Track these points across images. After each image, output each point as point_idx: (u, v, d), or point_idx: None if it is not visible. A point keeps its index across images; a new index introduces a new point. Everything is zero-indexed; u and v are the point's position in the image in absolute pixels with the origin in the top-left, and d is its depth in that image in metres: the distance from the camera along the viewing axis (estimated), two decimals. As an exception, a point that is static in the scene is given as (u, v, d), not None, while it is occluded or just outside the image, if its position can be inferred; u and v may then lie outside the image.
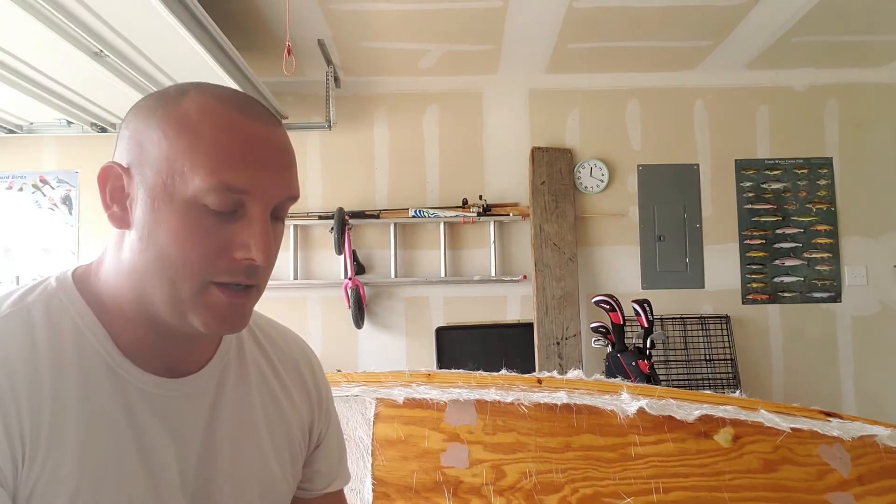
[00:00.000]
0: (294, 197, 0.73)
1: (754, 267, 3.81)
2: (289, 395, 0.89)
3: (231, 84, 2.66)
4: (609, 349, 3.05)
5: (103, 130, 3.44)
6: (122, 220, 0.71)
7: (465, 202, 3.72)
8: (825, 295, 3.79)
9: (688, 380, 3.65)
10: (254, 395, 0.84)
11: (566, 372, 1.58)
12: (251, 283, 0.70)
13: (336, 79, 3.56)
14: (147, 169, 0.69)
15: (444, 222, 3.74)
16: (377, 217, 3.71)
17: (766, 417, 1.39)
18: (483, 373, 1.60)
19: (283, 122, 3.48)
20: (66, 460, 0.66)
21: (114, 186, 0.71)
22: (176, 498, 0.73)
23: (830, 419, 1.44)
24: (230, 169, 0.67)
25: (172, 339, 0.74)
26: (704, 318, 3.74)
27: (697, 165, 3.85)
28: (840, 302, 3.79)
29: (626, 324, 3.03)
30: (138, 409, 0.72)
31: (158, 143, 0.69)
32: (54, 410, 0.66)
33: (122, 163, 0.71)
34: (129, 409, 0.71)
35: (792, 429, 1.38)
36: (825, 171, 3.83)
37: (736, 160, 3.85)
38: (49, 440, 0.65)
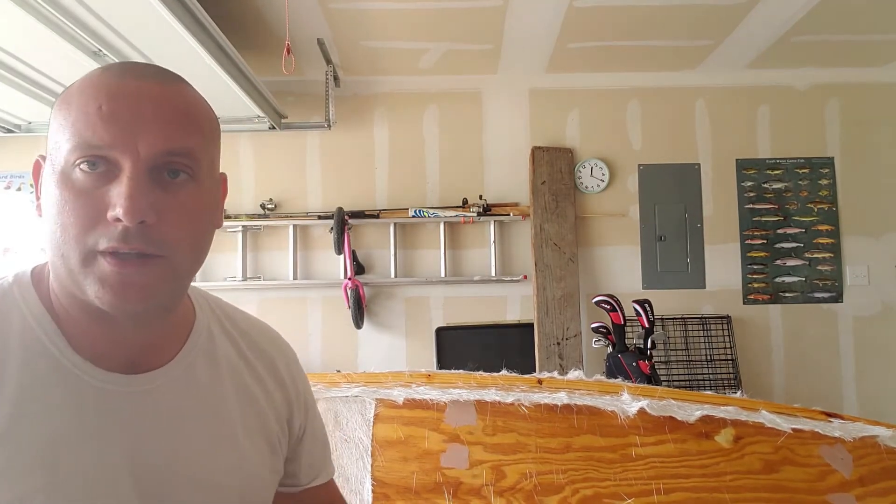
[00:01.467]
0: (175, 151, 0.68)
1: (755, 267, 3.80)
2: (264, 387, 0.86)
3: (229, 83, 2.66)
4: (610, 349, 3.05)
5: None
6: (39, 209, 0.71)
7: (465, 202, 3.71)
8: (826, 295, 3.78)
9: (689, 380, 3.64)
10: (226, 391, 0.81)
11: (566, 372, 1.57)
12: (130, 248, 0.65)
13: (336, 78, 3.55)
14: (47, 154, 0.69)
15: (444, 222, 3.74)
16: (377, 217, 3.70)
17: (767, 418, 1.39)
18: (483, 373, 1.59)
19: (283, 121, 3.48)
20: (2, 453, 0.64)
21: (39, 179, 0.72)
22: (127, 499, 0.70)
23: (832, 420, 1.44)
24: (91, 126, 0.65)
25: (121, 330, 0.71)
26: (705, 318, 3.73)
27: (698, 165, 3.84)
28: (841, 302, 3.78)
29: (627, 324, 3.03)
30: (89, 406, 0.69)
31: (50, 126, 0.70)
32: None
33: (43, 154, 0.72)
34: (79, 408, 0.68)
35: (793, 429, 1.37)
36: (826, 170, 3.82)
37: (737, 160, 3.84)
38: None
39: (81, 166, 0.65)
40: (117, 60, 2.44)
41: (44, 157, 0.71)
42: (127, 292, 0.65)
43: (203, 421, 0.77)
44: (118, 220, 0.64)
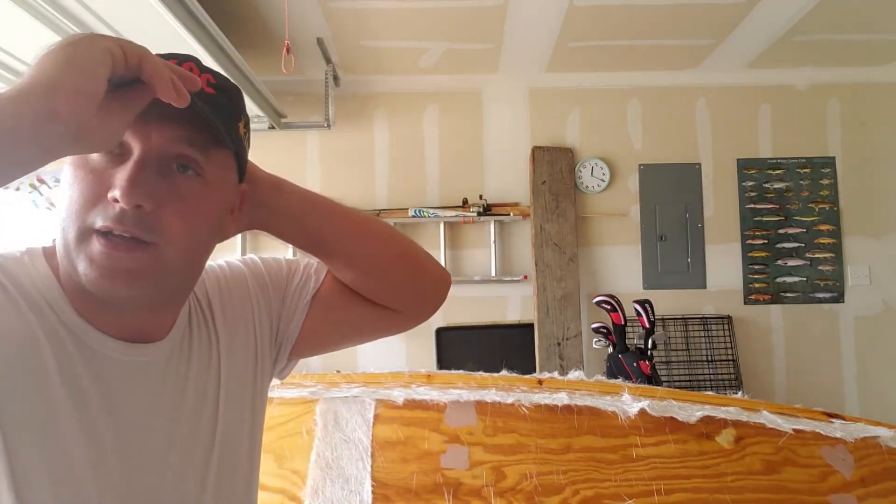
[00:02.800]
0: (187, 146, 0.69)
1: (756, 267, 3.79)
2: (224, 335, 0.86)
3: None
4: (610, 350, 3.04)
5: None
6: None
7: (465, 202, 3.70)
8: (828, 295, 3.77)
9: (689, 381, 3.64)
10: (209, 360, 0.83)
11: (567, 373, 1.57)
12: (124, 229, 0.65)
13: (335, 78, 3.55)
14: None
15: (444, 222, 3.73)
16: (377, 216, 3.70)
17: (768, 419, 1.38)
18: (483, 374, 1.59)
19: (283, 121, 3.48)
20: None
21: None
22: (108, 459, 0.70)
23: (833, 420, 1.43)
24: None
25: (114, 309, 0.72)
26: (706, 318, 3.73)
27: (699, 165, 3.84)
28: (843, 302, 3.77)
29: (628, 324, 3.02)
30: (82, 366, 0.70)
31: None
32: (18, 351, 0.65)
33: None
34: (71, 367, 0.69)
35: (794, 430, 1.36)
36: (828, 170, 3.82)
37: (738, 159, 3.84)
38: None
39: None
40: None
41: None
42: (113, 275, 0.66)
43: (186, 392, 0.79)
44: (116, 200, 0.65)
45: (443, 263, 3.71)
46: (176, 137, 0.69)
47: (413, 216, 3.68)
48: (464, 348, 3.68)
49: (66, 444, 0.67)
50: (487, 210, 3.69)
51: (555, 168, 3.77)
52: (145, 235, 0.67)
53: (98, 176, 0.67)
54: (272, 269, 0.95)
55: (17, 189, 3.71)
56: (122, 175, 0.66)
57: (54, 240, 0.76)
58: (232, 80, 0.79)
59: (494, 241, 3.75)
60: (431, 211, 3.69)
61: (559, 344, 3.60)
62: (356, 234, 0.93)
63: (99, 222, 0.66)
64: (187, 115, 0.68)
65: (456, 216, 3.68)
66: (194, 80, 0.65)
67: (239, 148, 0.77)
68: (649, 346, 2.91)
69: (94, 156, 0.68)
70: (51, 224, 3.65)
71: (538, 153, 3.79)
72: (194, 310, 0.85)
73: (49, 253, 0.75)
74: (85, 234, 0.66)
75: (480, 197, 3.73)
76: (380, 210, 3.73)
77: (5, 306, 0.67)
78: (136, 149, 0.67)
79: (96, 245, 0.66)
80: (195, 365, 0.81)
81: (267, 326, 0.92)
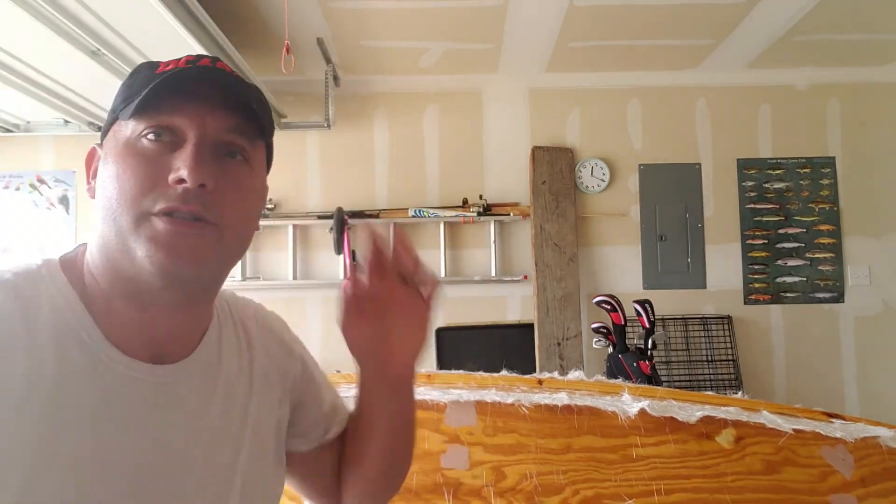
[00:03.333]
0: (237, 134, 0.72)
1: (756, 267, 3.79)
2: (261, 363, 0.87)
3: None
4: (610, 350, 3.04)
5: (100, 129, 3.43)
6: (92, 190, 0.74)
7: (465, 202, 3.70)
8: (828, 295, 3.77)
9: (689, 381, 3.64)
10: (236, 382, 0.81)
11: (567, 373, 1.56)
12: (188, 208, 0.67)
13: (335, 78, 3.54)
14: (108, 132, 0.74)
15: (444, 222, 3.73)
16: (377, 217, 3.70)
17: (768, 419, 1.38)
18: (483, 374, 1.59)
19: (283, 121, 3.48)
20: (21, 437, 0.62)
21: (92, 165, 0.76)
22: (144, 485, 0.69)
23: (833, 420, 1.43)
24: (158, 100, 0.68)
25: (153, 311, 0.72)
26: (706, 318, 3.73)
27: (699, 165, 3.84)
28: (843, 302, 3.77)
29: (628, 324, 3.02)
30: (116, 394, 0.68)
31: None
32: (19, 390, 0.62)
33: (100, 142, 0.76)
34: (106, 396, 0.67)
35: (794, 430, 1.36)
36: (828, 170, 3.82)
37: (738, 159, 3.84)
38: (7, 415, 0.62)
39: (148, 136, 0.69)
40: (116, 59, 2.44)
41: (100, 145, 0.75)
42: (179, 252, 0.67)
43: (214, 415, 0.77)
44: (181, 180, 0.66)
45: (443, 263, 3.74)
46: (228, 126, 0.71)
47: (413, 216, 3.68)
48: (464, 348, 3.68)
49: (79, 471, 0.64)
50: (487, 210, 3.69)
51: (555, 168, 3.77)
52: (208, 215, 0.68)
53: (151, 162, 0.68)
54: (317, 368, 0.99)
55: (17, 189, 3.71)
56: (184, 157, 0.67)
57: (79, 246, 0.76)
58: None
59: (494, 241, 3.75)
60: (431, 211, 3.69)
61: (559, 344, 3.59)
62: (400, 462, 0.96)
63: (160, 205, 0.67)
64: (238, 106, 0.72)
65: (456, 216, 3.68)
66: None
67: (271, 140, 0.81)
68: (649, 346, 2.91)
69: (143, 143, 0.69)
70: (60, 223, 3.65)
71: (538, 153, 3.78)
72: (224, 321, 0.84)
73: (67, 265, 0.73)
74: (142, 218, 0.67)
75: (480, 197, 3.73)
76: (380, 210, 3.73)
77: (13, 345, 0.64)
78: (191, 134, 0.69)
79: (160, 225, 0.66)
80: (221, 388, 0.79)
81: (288, 395, 0.91)
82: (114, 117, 0.73)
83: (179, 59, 0.74)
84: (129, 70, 2.50)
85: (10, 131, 3.41)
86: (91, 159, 0.77)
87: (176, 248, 0.67)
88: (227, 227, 0.71)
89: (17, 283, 0.68)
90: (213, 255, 0.70)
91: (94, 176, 0.74)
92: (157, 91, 0.68)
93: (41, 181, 3.72)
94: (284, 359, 0.92)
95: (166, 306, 0.72)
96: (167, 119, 0.69)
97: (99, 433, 0.66)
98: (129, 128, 0.70)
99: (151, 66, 0.74)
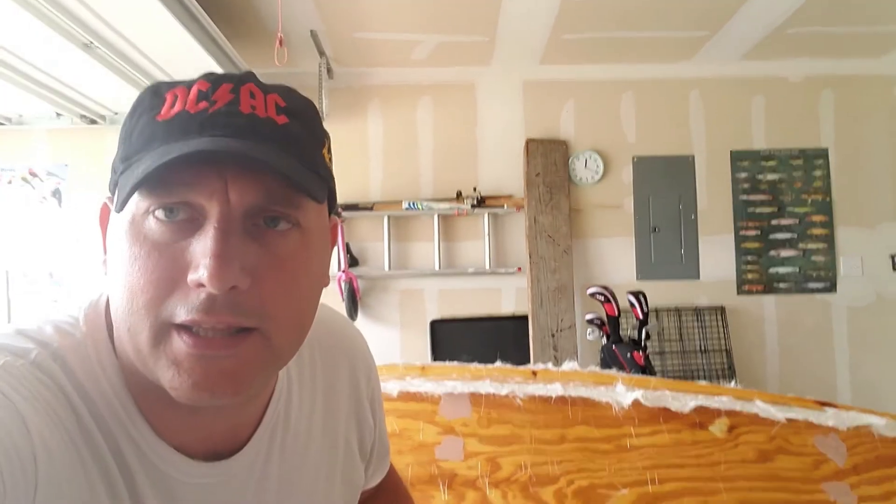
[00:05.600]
0: (270, 209, 0.53)
1: (749, 258, 3.80)
2: (340, 415, 0.76)
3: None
4: (604, 341, 3.05)
5: (93, 122, 3.42)
6: (105, 264, 0.57)
7: (459, 194, 3.70)
8: (820, 285, 3.79)
9: (683, 371, 3.65)
10: (306, 451, 0.70)
11: (561, 364, 1.57)
12: (216, 319, 0.50)
13: (328, 70, 3.53)
14: (114, 187, 0.57)
15: (438, 214, 3.73)
16: (371, 209, 3.69)
17: (761, 408, 1.39)
18: (478, 365, 1.59)
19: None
20: None
21: (106, 227, 0.58)
22: None
23: (825, 409, 1.44)
24: (167, 163, 0.50)
25: (202, 418, 0.59)
26: (699, 309, 3.74)
27: (693, 157, 3.84)
28: (835, 292, 3.79)
29: (621, 315, 3.03)
30: (152, 492, 0.57)
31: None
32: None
33: (110, 195, 0.58)
34: (135, 494, 0.56)
35: (787, 419, 1.38)
36: (820, 161, 3.83)
37: (731, 151, 3.84)
38: None
39: (156, 213, 0.51)
40: (109, 53, 2.42)
41: (111, 199, 0.57)
42: (211, 383, 0.51)
43: (281, 496, 0.67)
44: (201, 284, 0.49)
45: (437, 256, 3.74)
46: (259, 193, 0.53)
47: (407, 208, 3.67)
48: (458, 340, 3.69)
49: None
50: (481, 202, 3.69)
51: (549, 160, 3.77)
52: (245, 321, 0.51)
53: (163, 252, 0.51)
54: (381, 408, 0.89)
55: (10, 182, 3.69)
56: (202, 248, 0.50)
57: (101, 297, 0.62)
58: (301, 93, 0.60)
59: (488, 234, 3.75)
60: (425, 203, 3.69)
61: (553, 335, 3.60)
62: None
63: (181, 315, 0.50)
64: (268, 167, 0.52)
65: (450, 208, 3.68)
66: None
67: (330, 179, 0.61)
68: (643, 336, 2.92)
69: (151, 224, 0.51)
70: (52, 216, 3.63)
71: (532, 145, 3.78)
72: (301, 373, 0.72)
73: (111, 326, 0.58)
74: (161, 332, 0.51)
75: (474, 189, 3.73)
76: (374, 203, 3.72)
77: (63, 450, 0.51)
78: (212, 211, 0.51)
79: (180, 345, 0.50)
80: (286, 458, 0.68)
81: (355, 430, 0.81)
82: (116, 178, 0.56)
83: (190, 88, 0.54)
84: (122, 63, 2.48)
85: (2, 124, 3.40)
86: (104, 220, 0.59)
87: (205, 375, 0.50)
88: (276, 328, 0.53)
89: (65, 358, 0.55)
90: (257, 372, 0.54)
91: (107, 247, 0.58)
92: (159, 169, 0.50)
93: (33, 174, 3.70)
94: (367, 415, 0.83)
95: (213, 416, 0.59)
96: (179, 194, 0.51)
97: None
98: (132, 202, 0.53)
99: (153, 104, 0.55)
